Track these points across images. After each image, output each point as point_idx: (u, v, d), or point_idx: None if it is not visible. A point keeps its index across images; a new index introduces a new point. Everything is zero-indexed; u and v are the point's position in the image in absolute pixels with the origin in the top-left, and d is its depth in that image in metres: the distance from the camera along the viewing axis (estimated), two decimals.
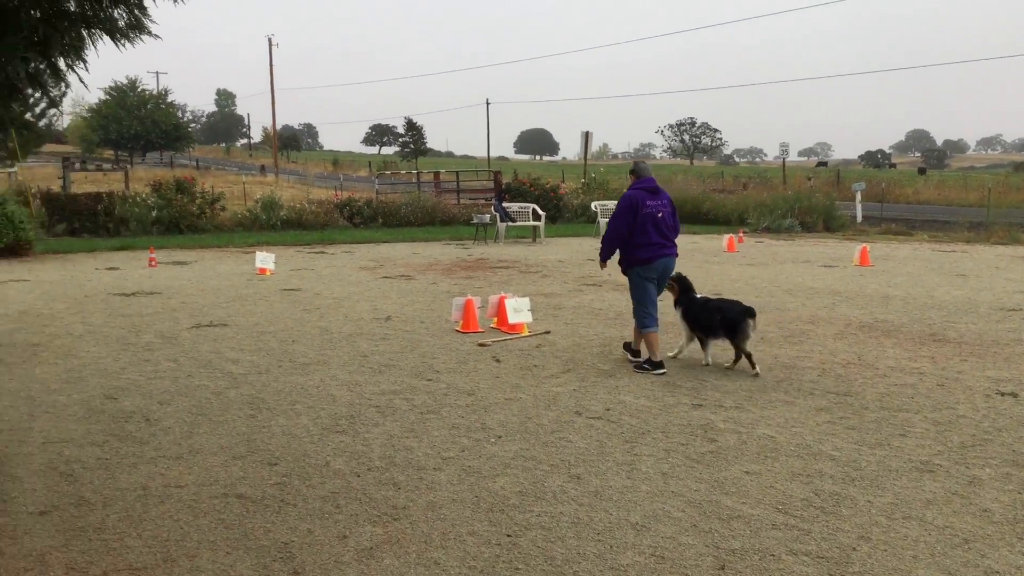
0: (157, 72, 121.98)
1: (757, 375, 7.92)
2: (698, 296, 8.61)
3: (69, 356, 8.75)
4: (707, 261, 18.39)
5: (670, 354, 8.69)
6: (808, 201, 28.69)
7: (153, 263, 17.55)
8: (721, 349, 8.58)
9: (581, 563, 4.14)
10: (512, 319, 10.09)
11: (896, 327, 10.36)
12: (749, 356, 8.04)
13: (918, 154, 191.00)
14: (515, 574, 4.03)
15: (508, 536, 4.44)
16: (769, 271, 16.48)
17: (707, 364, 8.41)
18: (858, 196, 30.18)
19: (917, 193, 43.26)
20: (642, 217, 8.11)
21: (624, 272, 8.43)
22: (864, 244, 19.08)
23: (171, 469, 5.44)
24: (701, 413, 6.71)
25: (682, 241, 24.43)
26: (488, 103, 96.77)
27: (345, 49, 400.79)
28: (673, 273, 8.54)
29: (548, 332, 10.07)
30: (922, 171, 79.16)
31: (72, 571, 4.05)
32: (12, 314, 11.34)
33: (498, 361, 8.55)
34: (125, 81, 79.71)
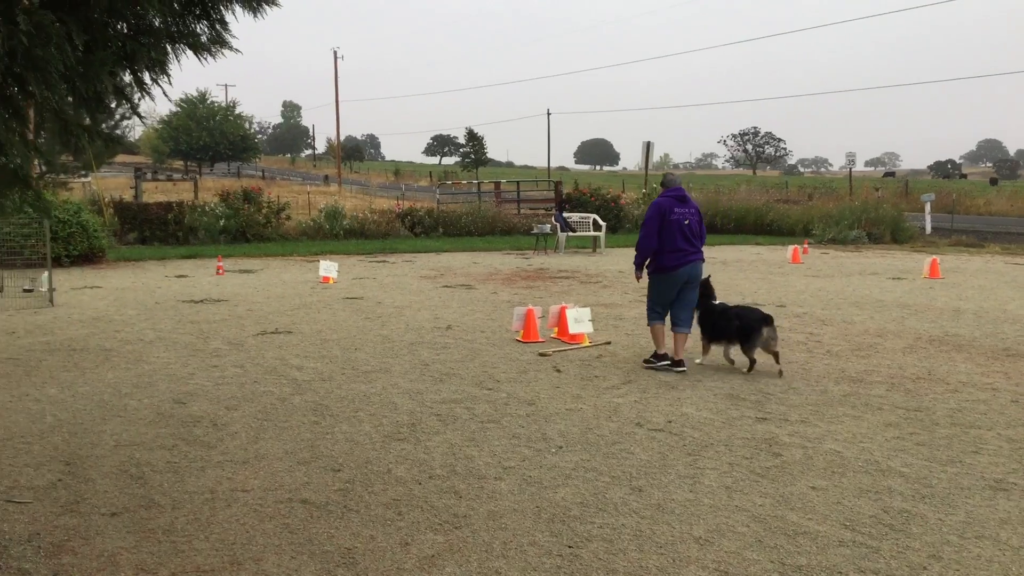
0: (226, 85, 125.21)
1: (781, 373, 8.30)
2: (717, 302, 8.89)
3: (140, 361, 8.97)
4: (771, 272, 18.13)
5: (697, 361, 8.91)
6: (875, 212, 28.10)
7: (221, 271, 17.93)
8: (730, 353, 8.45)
9: None
10: (573, 329, 10.07)
11: (968, 341, 10.08)
12: (753, 361, 8.42)
13: (989, 164, 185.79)
14: None
15: (569, 547, 4.42)
16: (836, 283, 16.19)
17: (719, 362, 8.80)
18: (927, 207, 29.49)
19: (988, 204, 42.13)
20: (670, 223, 8.52)
21: (650, 274, 8.79)
22: (934, 256, 18.62)
23: (238, 473, 5.54)
24: (765, 427, 6.61)
25: (746, 252, 24.15)
26: (549, 113, 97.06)
27: (408, 61, 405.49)
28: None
29: (608, 343, 10.02)
30: (994, 182, 77.09)
31: (142, 572, 4.14)
32: (86, 320, 11.69)
33: (559, 371, 8.54)
34: (195, 93, 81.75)
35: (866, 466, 5.69)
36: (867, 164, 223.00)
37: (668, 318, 8.72)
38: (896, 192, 42.03)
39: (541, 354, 9.31)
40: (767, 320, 8.38)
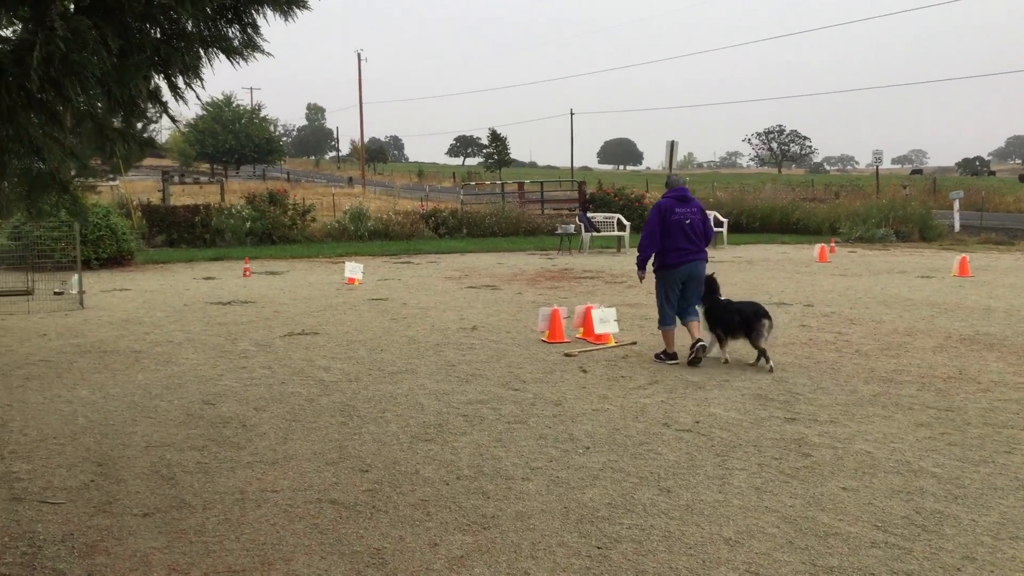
0: (251, 88, 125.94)
1: (771, 370, 8.45)
2: (722, 298, 9.17)
3: (169, 363, 9.05)
4: (798, 271, 18.00)
5: (716, 357, 9.05)
6: (903, 210, 27.83)
7: (247, 273, 18.06)
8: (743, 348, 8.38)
9: None
10: (598, 329, 10.05)
11: (999, 340, 9.95)
12: (763, 353, 8.61)
13: (1018, 161, 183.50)
14: None
15: (598, 548, 4.41)
16: (864, 282, 16.05)
17: (726, 361, 8.93)
18: (956, 204, 29.19)
19: (1018, 201, 41.61)
20: (671, 223, 8.90)
21: (654, 271, 9.18)
22: (963, 254, 18.41)
23: (267, 474, 5.58)
24: (794, 427, 6.56)
25: (772, 251, 24.00)
26: (572, 113, 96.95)
27: (431, 62, 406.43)
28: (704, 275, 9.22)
29: (635, 343, 9.99)
30: (1023, 179, 76.01)
31: (174, 572, 4.18)
32: (116, 322, 11.81)
33: (585, 372, 8.53)
34: (221, 97, 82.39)
35: (897, 466, 5.63)
36: (894, 161, 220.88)
37: (677, 317, 9.12)
38: (924, 190, 41.61)
39: (567, 354, 9.31)
40: (765, 313, 8.71)
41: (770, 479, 5.42)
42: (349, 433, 6.47)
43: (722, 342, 9.00)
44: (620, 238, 24.49)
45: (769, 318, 8.70)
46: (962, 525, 4.67)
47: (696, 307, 9.11)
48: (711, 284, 9.21)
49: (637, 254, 9.27)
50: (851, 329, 10.80)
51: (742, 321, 8.70)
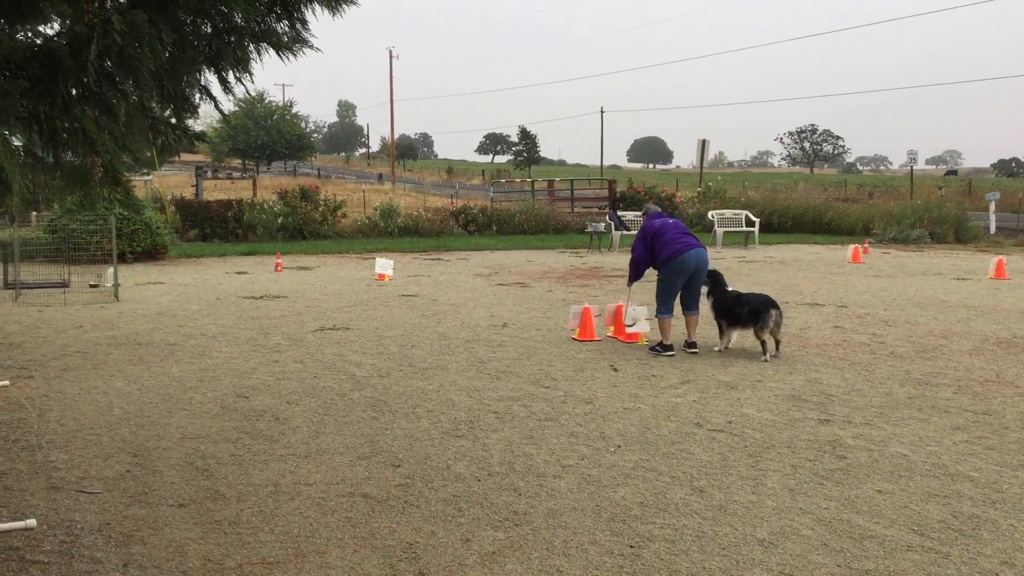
0: (283, 84, 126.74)
1: (766, 360, 8.80)
2: (730, 289, 9.51)
3: (203, 356, 9.14)
4: (831, 272, 17.83)
5: (716, 349, 9.44)
6: (938, 211, 27.43)
7: (279, 268, 18.19)
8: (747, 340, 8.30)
9: None
10: (629, 328, 10.01)
11: None
12: (764, 344, 8.94)
13: None
14: None
15: (631, 547, 4.39)
16: (898, 283, 15.86)
17: (721, 350, 9.37)
18: (991, 206, 28.76)
19: None
20: (659, 235, 9.47)
21: (662, 269, 9.48)
22: (1000, 256, 18.13)
23: (300, 467, 5.61)
24: (829, 429, 6.50)
25: (804, 252, 23.76)
26: (602, 111, 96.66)
27: (462, 60, 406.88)
28: (708, 270, 9.62)
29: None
30: None
31: (209, 563, 4.22)
32: (150, 315, 11.94)
33: (616, 370, 8.50)
34: (253, 93, 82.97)
35: (934, 470, 5.56)
36: (928, 162, 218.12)
37: (678, 306, 9.55)
38: (959, 191, 41.02)
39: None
40: (774, 304, 8.98)
41: (804, 480, 5.37)
42: (381, 428, 6.50)
43: (723, 331, 9.37)
44: None
45: (778, 308, 8.98)
46: (1000, 530, 4.61)
47: (697, 300, 9.50)
48: (716, 277, 9.58)
49: (628, 271, 9.91)
50: (886, 331, 10.68)
51: (751, 312, 8.97)
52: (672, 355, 9.13)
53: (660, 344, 9.29)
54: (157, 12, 3.14)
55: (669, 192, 34.62)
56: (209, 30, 3.60)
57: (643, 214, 10.13)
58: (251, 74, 3.88)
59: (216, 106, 3.97)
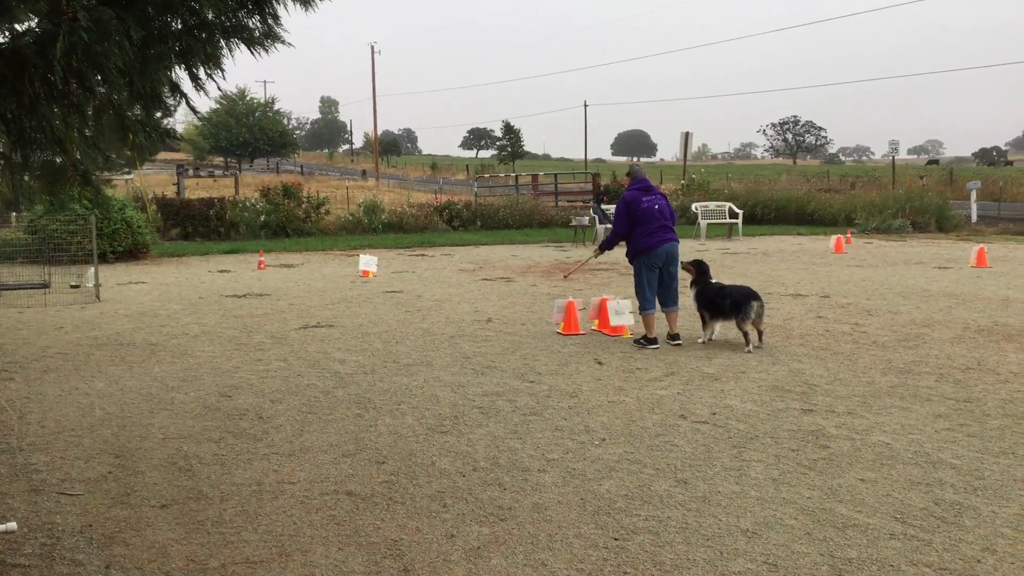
0: (264, 81, 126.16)
1: (749, 352, 8.86)
2: (713, 281, 9.60)
3: (185, 355, 9.09)
4: (814, 263, 17.91)
5: (699, 340, 9.51)
6: (920, 200, 27.58)
7: (262, 266, 18.11)
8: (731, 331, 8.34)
9: (691, 569, 4.07)
10: (614, 321, 10.03)
11: (1018, 331, 9.87)
12: (747, 335, 9.02)
13: None
14: None
15: (615, 540, 4.40)
16: (880, 273, 15.95)
17: (703, 342, 9.44)
18: (973, 195, 28.93)
19: None
20: (641, 211, 9.35)
21: (630, 261, 9.64)
22: (981, 245, 18.26)
23: (283, 466, 5.59)
24: (811, 419, 6.52)
25: (787, 243, 23.86)
26: (586, 105, 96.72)
27: (445, 55, 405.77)
28: (693, 259, 9.90)
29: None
30: None
31: (192, 563, 4.19)
32: (132, 315, 11.86)
33: (600, 364, 8.51)
34: (234, 90, 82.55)
35: (916, 458, 5.60)
36: (910, 152, 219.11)
37: (657, 303, 9.58)
38: (940, 180, 41.21)
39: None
40: (755, 296, 9.08)
41: (787, 471, 5.39)
42: (365, 425, 6.48)
43: (706, 323, 9.45)
44: None
45: (759, 300, 9.08)
46: (982, 517, 4.64)
47: (675, 295, 9.58)
48: (701, 267, 9.69)
49: (605, 241, 10.01)
50: (868, 320, 10.74)
51: (733, 304, 9.06)
52: (656, 348, 9.19)
53: (644, 337, 9.36)
54: (125, 8, 3.10)
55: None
56: (179, 26, 3.56)
57: (627, 175, 9.91)
58: (223, 70, 3.85)
59: (187, 103, 3.94)
